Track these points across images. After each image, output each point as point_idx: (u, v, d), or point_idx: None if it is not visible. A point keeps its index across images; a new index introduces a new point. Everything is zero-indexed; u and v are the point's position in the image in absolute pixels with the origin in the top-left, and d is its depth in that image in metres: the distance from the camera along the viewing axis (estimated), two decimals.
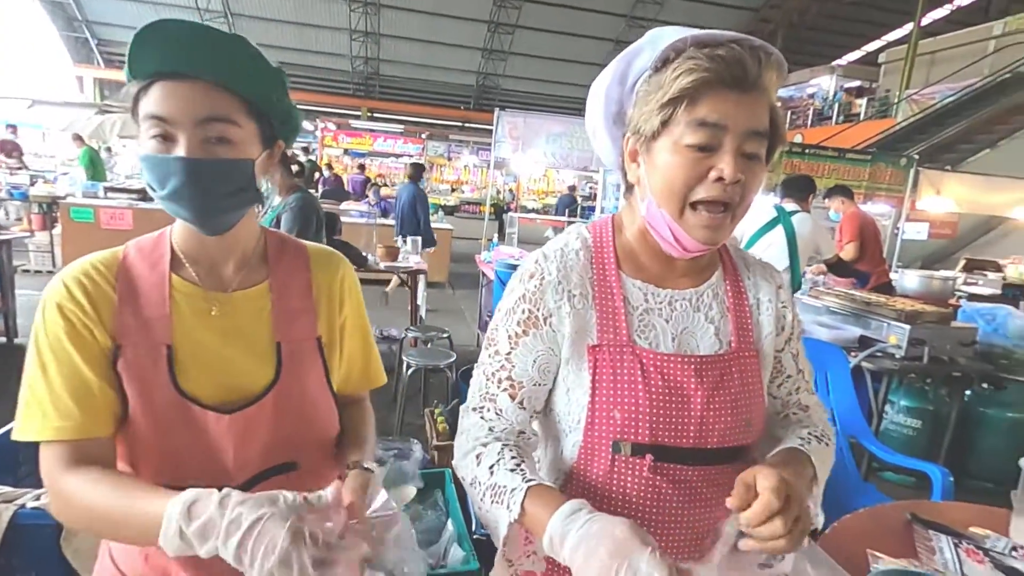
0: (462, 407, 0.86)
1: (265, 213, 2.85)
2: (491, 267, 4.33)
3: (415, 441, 2.63)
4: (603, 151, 0.84)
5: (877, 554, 1.08)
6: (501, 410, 0.81)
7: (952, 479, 2.03)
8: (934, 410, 2.96)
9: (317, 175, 8.19)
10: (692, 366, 0.78)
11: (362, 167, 12.36)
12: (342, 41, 19.35)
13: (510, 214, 4.96)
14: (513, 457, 0.76)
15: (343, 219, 4.89)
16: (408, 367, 3.13)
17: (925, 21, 14.15)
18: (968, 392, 3.07)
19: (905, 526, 1.21)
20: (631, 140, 0.77)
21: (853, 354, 2.76)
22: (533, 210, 13.86)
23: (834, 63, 20.14)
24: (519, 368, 0.81)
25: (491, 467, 0.75)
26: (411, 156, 15.50)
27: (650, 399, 0.77)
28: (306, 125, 16.97)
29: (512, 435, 0.81)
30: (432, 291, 7.08)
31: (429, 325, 4.04)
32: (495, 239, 5.39)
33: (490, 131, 4.98)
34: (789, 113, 18.86)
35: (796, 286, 3.50)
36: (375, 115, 20.46)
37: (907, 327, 2.71)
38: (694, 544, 0.80)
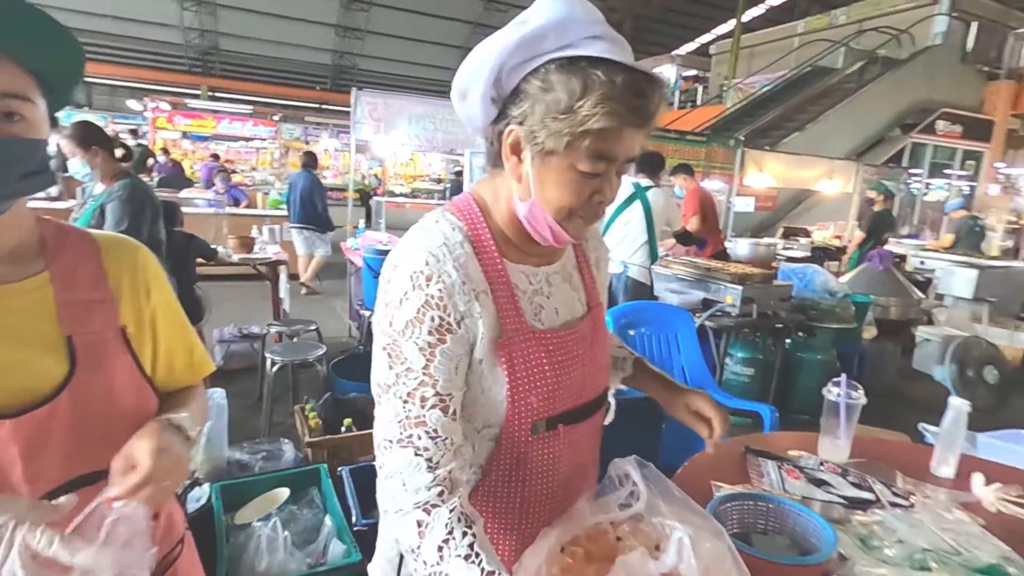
0: (379, 443, 0.76)
1: (86, 204, 2.48)
2: (359, 254, 4.18)
3: (285, 440, 2.49)
4: (469, 114, 0.78)
5: (718, 484, 1.23)
6: (435, 432, 0.73)
7: (778, 415, 2.36)
8: (763, 358, 3.41)
9: (151, 161, 7.27)
10: (576, 333, 0.85)
11: (216, 156, 11.21)
12: (170, 9, 17.21)
13: (376, 199, 4.80)
14: (465, 534, 0.68)
15: (187, 209, 4.42)
16: (273, 364, 2.93)
17: (745, 18, 15.91)
18: (788, 340, 3.58)
19: (741, 457, 1.38)
20: (515, 131, 0.74)
21: (698, 315, 3.08)
22: (402, 195, 13.52)
23: (673, 53, 21.99)
24: (443, 380, 0.74)
25: (439, 548, 0.68)
26: (263, 140, 14.30)
27: (556, 375, 0.81)
28: (133, 104, 14.90)
29: (451, 459, 0.74)
30: (296, 284, 6.68)
31: (295, 319, 3.81)
32: (361, 225, 5.20)
33: (349, 113, 4.75)
34: None
35: (654, 257, 3.81)
36: (217, 95, 18.54)
37: (740, 288, 3.09)
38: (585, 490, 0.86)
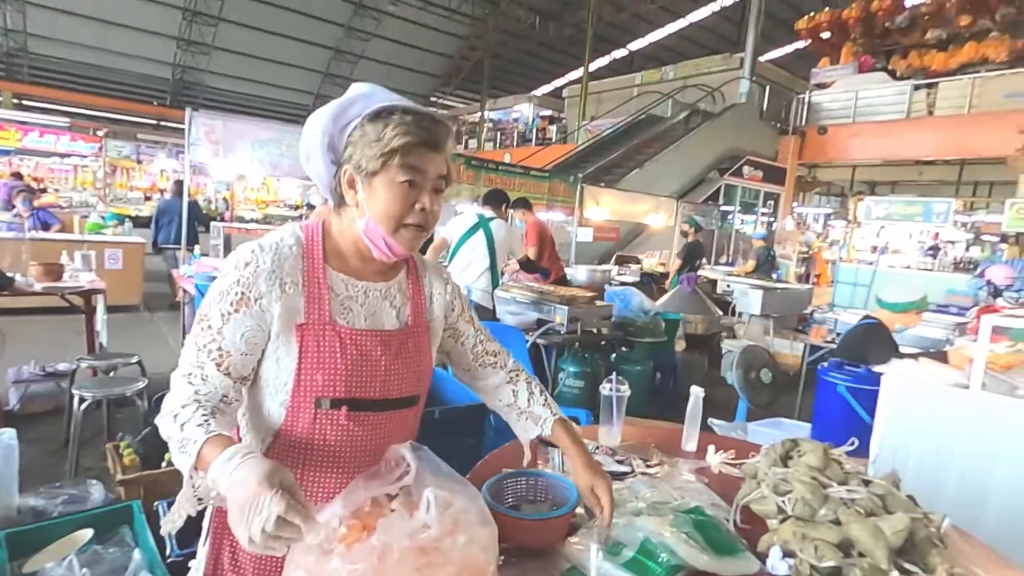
0: (173, 374, 0.95)
1: None
2: (191, 281, 3.94)
3: (92, 482, 2.30)
4: (315, 173, 1.01)
5: (508, 469, 1.42)
6: (207, 377, 0.93)
7: (594, 418, 2.67)
8: (591, 371, 3.79)
9: None
10: (379, 338, 1.03)
11: (18, 174, 9.72)
12: None
13: (215, 224, 4.55)
14: (204, 415, 0.88)
15: None
16: (82, 401, 2.67)
17: (592, 67, 17.58)
18: (613, 355, 4.02)
19: (534, 449, 1.60)
20: (349, 171, 0.97)
21: (530, 334, 3.38)
22: (252, 220, 12.73)
23: (531, 93, 23.48)
24: (228, 340, 0.94)
25: (183, 424, 0.86)
26: (83, 156, 12.70)
27: (346, 364, 0.99)
28: None
29: (214, 399, 0.93)
30: (124, 316, 6.03)
31: (113, 352, 3.48)
32: (196, 251, 4.89)
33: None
34: (499, 134, 21.34)
35: (495, 283, 4.08)
36: (24, 102, 16.16)
37: (567, 308, 3.44)
38: None
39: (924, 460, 2.20)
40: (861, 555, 1.08)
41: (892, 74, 13.43)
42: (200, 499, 0.86)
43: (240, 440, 1.05)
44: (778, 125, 13.39)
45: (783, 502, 1.23)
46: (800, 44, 16.92)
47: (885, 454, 2.35)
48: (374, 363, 1.02)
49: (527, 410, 1.25)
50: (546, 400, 1.28)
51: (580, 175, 7.70)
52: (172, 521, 0.88)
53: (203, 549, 1.07)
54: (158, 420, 0.93)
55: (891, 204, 9.68)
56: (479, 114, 22.31)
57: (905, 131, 11.76)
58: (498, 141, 20.60)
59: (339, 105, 0.97)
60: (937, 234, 11.98)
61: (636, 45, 21.15)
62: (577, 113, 17.05)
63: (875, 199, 9.73)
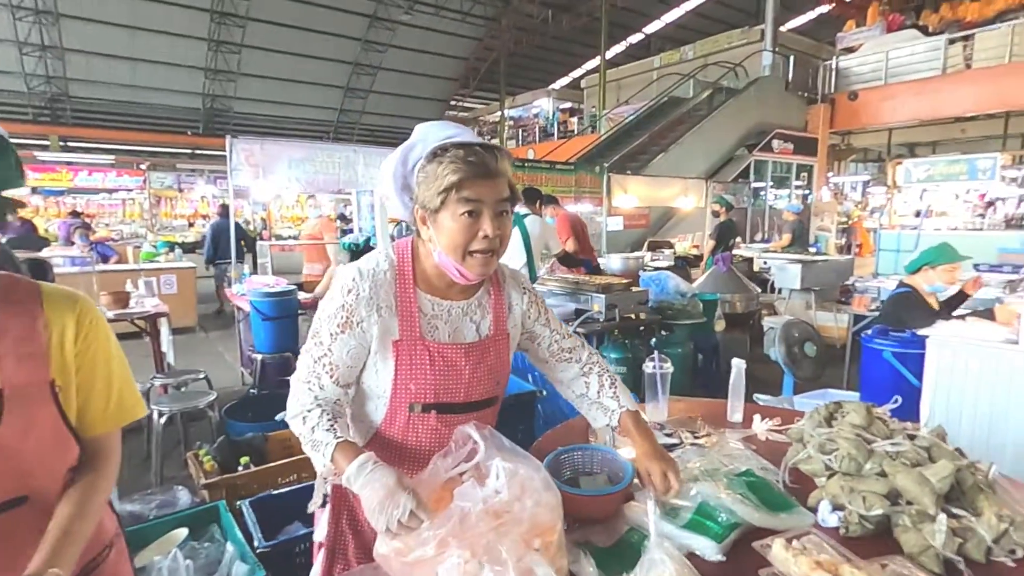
0: (292, 378, 1.16)
1: None
2: (245, 300, 4.16)
3: (179, 487, 2.49)
4: (397, 211, 1.18)
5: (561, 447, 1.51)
6: (323, 385, 1.13)
7: (639, 398, 2.73)
8: (632, 356, 3.84)
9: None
10: (462, 350, 1.17)
11: (76, 212, 10.43)
12: (9, 56, 15.75)
13: (261, 243, 4.81)
14: (329, 419, 1.09)
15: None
16: (160, 415, 2.89)
17: (609, 54, 17.44)
18: (652, 339, 4.05)
19: (586, 428, 1.70)
20: (419, 211, 1.10)
21: (570, 324, 3.45)
22: (291, 237, 13.16)
23: (549, 87, 23.44)
24: (336, 355, 1.12)
25: (313, 427, 1.08)
26: (130, 190, 13.36)
27: (435, 374, 1.15)
28: None
29: (330, 403, 1.13)
30: (182, 336, 6.37)
31: (181, 369, 3.72)
32: (245, 270, 5.14)
33: (224, 158, 4.75)
34: (521, 131, 21.40)
35: (532, 277, 4.18)
36: (70, 144, 17.05)
37: (604, 296, 3.51)
38: None
39: (978, 419, 2.20)
40: (909, 503, 1.13)
41: (924, 30, 12.88)
42: (325, 479, 1.13)
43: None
44: (805, 95, 13.03)
45: (829, 460, 1.29)
46: (823, 9, 16.37)
47: (937, 416, 2.35)
48: (459, 372, 1.17)
49: (597, 401, 1.35)
50: (615, 392, 1.34)
51: (606, 165, 7.71)
52: (315, 502, 1.18)
53: (324, 517, 1.27)
54: (288, 419, 1.15)
55: (932, 165, 9.32)
56: (499, 113, 22.43)
57: (942, 88, 11.30)
58: (520, 138, 20.65)
59: (404, 149, 1.12)
60: (984, 194, 11.48)
61: (652, 28, 20.85)
62: (597, 102, 16.96)
63: (914, 161, 9.38)
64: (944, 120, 12.63)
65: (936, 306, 2.99)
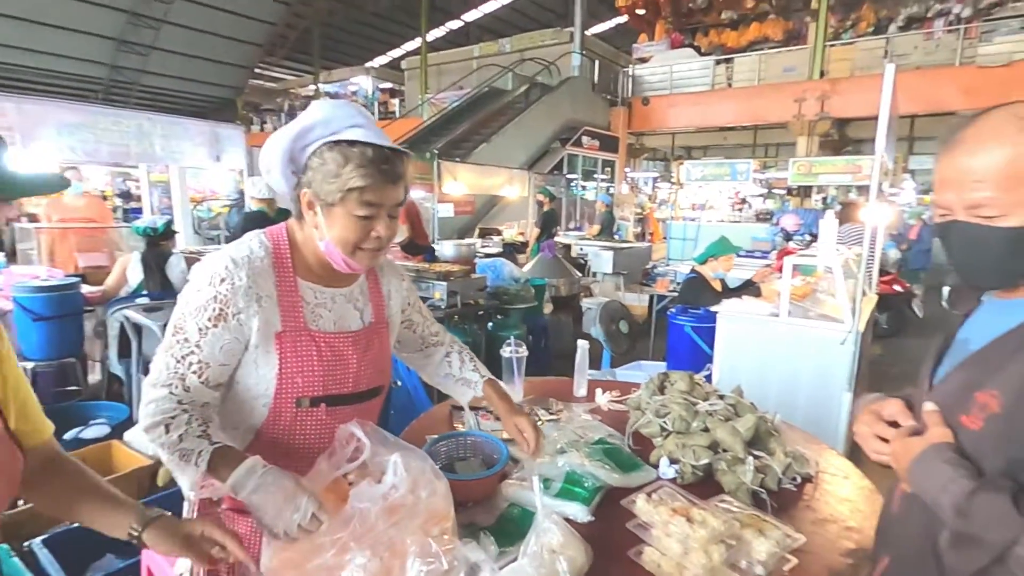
0: (146, 382, 1.02)
1: None
2: (5, 296, 3.36)
3: None
4: (276, 185, 1.08)
5: (430, 435, 1.54)
6: (189, 387, 1.00)
7: None
8: (472, 341, 3.97)
9: None
10: (349, 339, 1.12)
11: None
12: None
13: (22, 226, 3.80)
14: (200, 424, 0.99)
15: None
16: None
17: (429, 37, 17.34)
18: (490, 323, 4.24)
19: (448, 415, 1.74)
20: (308, 194, 1.02)
21: None
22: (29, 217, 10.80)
23: (367, 65, 22.54)
24: (207, 353, 1.00)
25: (180, 435, 0.96)
26: None
27: (323, 365, 1.07)
28: None
29: (197, 407, 1.02)
30: None
31: None
32: (2, 260, 4.13)
33: None
34: None
35: None
36: None
37: (444, 283, 3.56)
38: None
39: (752, 375, 2.74)
40: (725, 451, 1.39)
41: (698, 50, 15.15)
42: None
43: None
44: (608, 97, 14.47)
45: (664, 423, 1.52)
46: (621, 19, 18.26)
47: (724, 376, 2.87)
48: (346, 362, 1.11)
49: (461, 376, 1.39)
50: (475, 366, 1.41)
51: (435, 151, 7.72)
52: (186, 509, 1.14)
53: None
54: (144, 429, 1.00)
55: (705, 166, 11.12)
56: (313, 87, 20.97)
57: (711, 101, 13.43)
58: None
59: (300, 127, 1.01)
60: (738, 192, 13.97)
61: (471, 16, 21.18)
62: (418, 86, 16.81)
63: (692, 162, 11.09)
64: (712, 128, 15.06)
65: (719, 288, 3.61)
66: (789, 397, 2.63)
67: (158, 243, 3.55)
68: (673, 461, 1.41)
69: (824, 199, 12.53)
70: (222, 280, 1.01)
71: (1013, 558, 0.67)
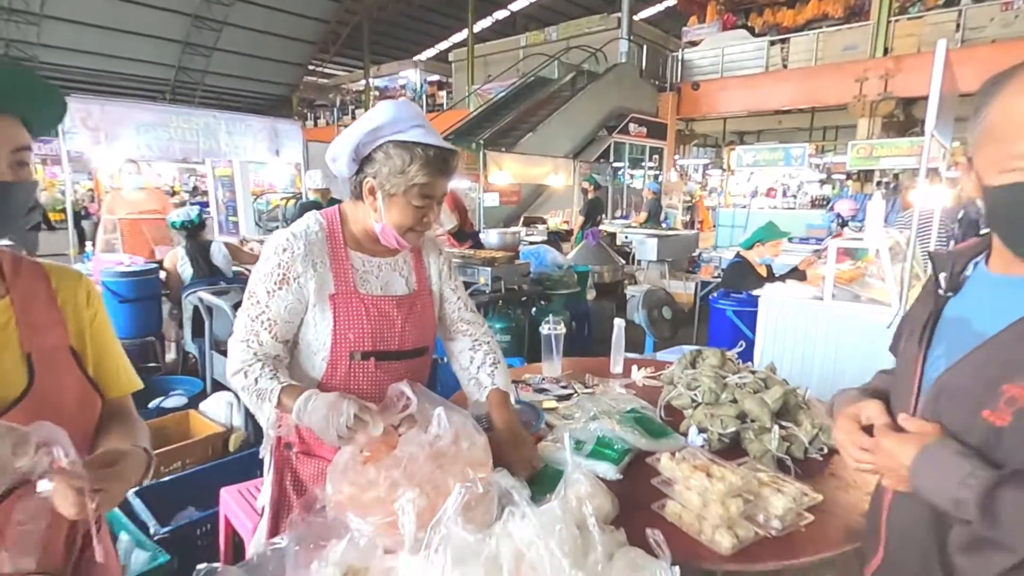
0: (231, 340, 1.23)
1: None
2: (95, 280, 3.71)
3: None
4: (339, 170, 1.24)
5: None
6: (262, 341, 1.21)
7: (526, 362, 2.97)
8: (516, 325, 4.09)
9: None
10: (394, 302, 1.28)
11: None
12: None
13: (107, 217, 4.15)
14: (271, 370, 1.18)
15: None
16: None
17: (476, 28, 17.45)
18: (533, 309, 4.34)
19: None
20: (371, 183, 1.19)
21: None
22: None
23: (416, 58, 22.88)
24: (275, 311, 1.20)
25: (256, 378, 1.17)
26: None
27: (371, 323, 1.24)
28: None
29: (270, 358, 1.21)
30: None
31: None
32: (88, 249, 4.53)
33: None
34: None
35: None
36: None
37: (489, 269, 3.68)
38: None
39: (795, 355, 2.74)
40: (752, 421, 1.45)
41: (751, 31, 14.64)
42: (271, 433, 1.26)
43: None
44: (656, 83, 14.20)
45: (695, 395, 1.58)
46: (671, 2, 17.83)
47: (767, 356, 2.88)
48: (391, 322, 1.27)
49: (475, 376, 1.41)
50: (493, 371, 1.40)
51: (481, 141, 7.85)
52: (267, 446, 1.31)
53: (268, 477, 1.34)
54: (229, 376, 1.21)
55: (757, 151, 10.77)
56: (364, 82, 21.49)
57: (765, 84, 12.98)
58: None
59: (372, 125, 1.16)
60: (779, 181, 13.43)
61: (517, 5, 21.15)
62: (466, 77, 16.96)
63: (744, 148, 10.78)
64: (766, 112, 14.54)
65: (764, 273, 3.58)
66: (832, 379, 2.62)
67: (196, 234, 3.76)
68: (701, 430, 1.48)
69: (885, 183, 11.94)
70: (284, 250, 1.19)
71: None
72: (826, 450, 1.42)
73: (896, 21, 11.55)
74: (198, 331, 3.48)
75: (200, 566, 0.92)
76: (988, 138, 0.73)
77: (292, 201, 8.96)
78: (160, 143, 4.41)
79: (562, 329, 1.96)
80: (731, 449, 1.42)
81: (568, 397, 1.76)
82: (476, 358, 1.43)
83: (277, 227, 8.96)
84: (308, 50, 21.87)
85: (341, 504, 1.02)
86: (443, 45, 23.81)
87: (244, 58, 19.93)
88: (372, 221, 1.24)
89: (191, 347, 3.50)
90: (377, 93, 21.88)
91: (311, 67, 23.59)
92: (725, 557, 1.02)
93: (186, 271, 3.62)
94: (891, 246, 2.85)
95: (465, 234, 4.82)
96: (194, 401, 2.95)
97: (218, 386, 3.06)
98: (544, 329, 1.96)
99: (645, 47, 13.98)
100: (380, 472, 1.03)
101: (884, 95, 10.95)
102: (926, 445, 0.72)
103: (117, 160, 4.29)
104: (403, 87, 22.36)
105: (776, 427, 1.39)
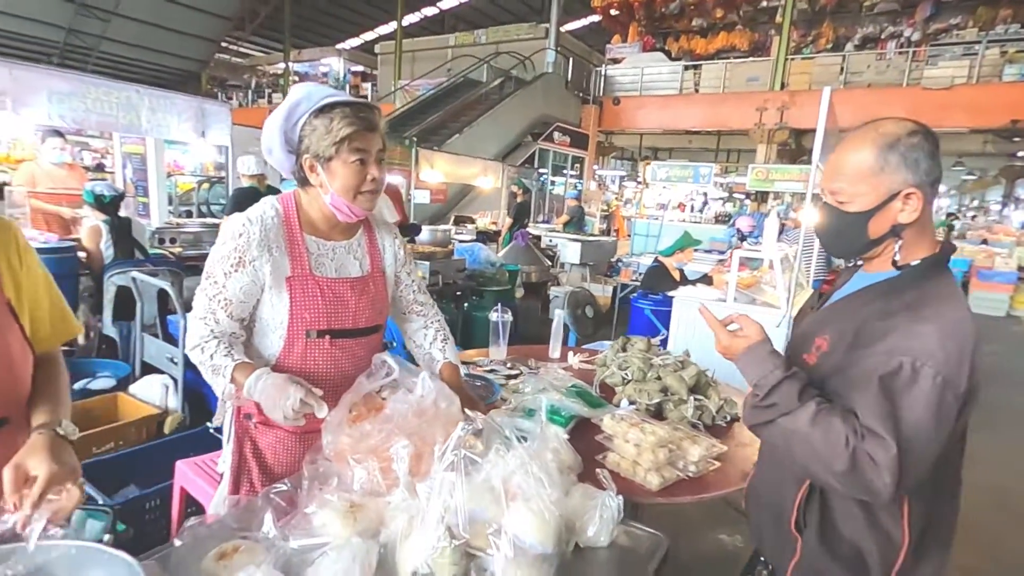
0: (189, 316, 1.30)
1: None
2: None
3: None
4: (278, 162, 1.31)
5: None
6: (219, 320, 1.27)
7: (460, 349, 3.14)
8: (450, 319, 4.24)
9: None
10: (348, 283, 1.36)
11: None
12: None
13: (10, 188, 3.75)
14: (226, 347, 1.26)
15: None
16: None
17: (404, 23, 17.31)
18: (466, 304, 4.53)
19: None
20: (308, 159, 1.25)
21: None
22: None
23: (339, 47, 22.26)
24: (231, 292, 1.26)
25: (212, 355, 1.24)
26: None
27: (325, 304, 1.32)
28: None
29: (226, 335, 1.28)
30: None
31: None
32: None
33: None
34: None
35: None
36: None
37: (428, 263, 3.83)
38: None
39: (703, 349, 3.12)
40: (673, 394, 1.74)
41: (668, 54, 15.69)
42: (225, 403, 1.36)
43: None
44: (581, 95, 14.84)
45: (625, 374, 1.86)
46: (596, 18, 18.64)
47: (678, 350, 3.25)
48: (345, 302, 1.36)
49: (428, 351, 1.56)
50: (444, 347, 1.55)
51: (414, 138, 7.91)
52: (218, 418, 1.40)
53: (228, 447, 1.40)
54: (188, 351, 1.29)
55: (670, 168, 11.64)
56: (283, 65, 20.62)
57: (678, 105, 13.98)
58: None
59: (288, 107, 1.25)
60: (688, 196, 14.58)
61: (446, 4, 21.16)
62: (392, 71, 16.79)
63: (658, 163, 11.59)
64: (678, 131, 15.63)
65: (678, 277, 4.00)
66: (731, 367, 3.03)
67: (117, 210, 3.60)
68: (631, 402, 1.75)
69: (776, 205, 13.23)
70: (240, 235, 1.25)
71: (777, 423, 0.97)
72: (729, 418, 1.74)
73: (792, 60, 12.86)
74: (119, 313, 3.35)
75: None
76: (824, 173, 1.07)
77: (207, 185, 8.54)
78: (76, 114, 4.14)
79: (509, 317, 2.18)
80: (655, 417, 1.70)
81: (515, 376, 1.98)
82: (429, 335, 1.56)
83: (190, 210, 8.49)
84: (222, 26, 20.54)
85: (340, 452, 1.17)
86: (369, 36, 23.29)
87: (147, 27, 18.32)
88: (324, 199, 1.29)
89: (111, 330, 3.36)
90: (297, 78, 21.03)
91: (224, 44, 22.23)
92: (653, 493, 1.28)
93: (108, 249, 3.46)
94: (782, 258, 3.32)
95: (408, 228, 4.91)
96: (122, 384, 2.87)
97: (148, 368, 2.99)
98: (493, 316, 2.17)
99: (571, 59, 14.56)
100: (374, 425, 1.19)
101: (780, 125, 12.16)
102: (749, 344, 1.04)
103: (26, 129, 3.99)
104: (325, 75, 21.65)
105: (691, 399, 1.69)
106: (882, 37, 14.51)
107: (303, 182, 1.31)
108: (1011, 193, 18.45)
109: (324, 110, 1.23)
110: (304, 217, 1.34)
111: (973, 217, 16.92)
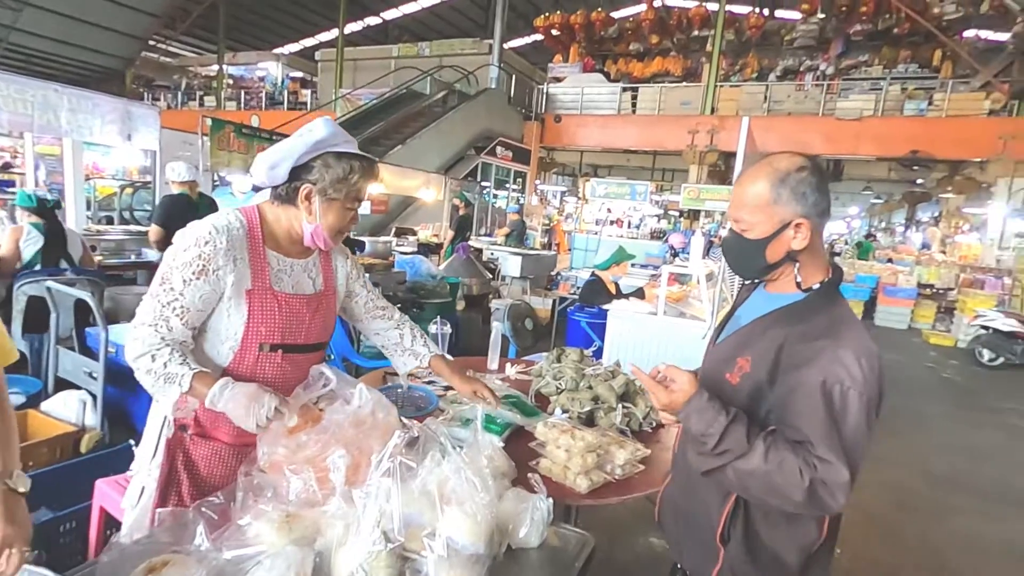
0: (131, 324, 1.26)
1: None
2: None
3: None
4: (275, 176, 1.32)
5: None
6: (172, 327, 1.25)
7: None
8: None
9: None
10: (304, 300, 1.41)
11: None
12: None
13: None
14: (180, 355, 1.24)
15: None
16: None
17: (346, 31, 17.09)
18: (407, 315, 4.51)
19: (382, 378, 2.05)
20: (309, 188, 1.31)
21: None
22: None
23: (276, 51, 21.69)
24: (188, 300, 1.25)
25: (165, 363, 1.22)
26: None
27: (282, 319, 1.36)
28: None
29: (177, 343, 1.26)
30: None
31: None
32: None
33: None
34: (243, 93, 19.37)
35: None
36: None
37: (368, 275, 3.81)
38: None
39: (635, 358, 3.26)
40: (603, 403, 1.83)
41: (607, 75, 16.26)
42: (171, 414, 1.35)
43: None
44: (523, 111, 15.12)
45: (559, 384, 1.94)
46: (538, 37, 19.09)
47: (612, 359, 3.39)
48: (301, 318, 1.40)
49: (410, 348, 1.66)
50: (425, 342, 1.69)
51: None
52: (153, 427, 1.40)
53: (153, 462, 1.39)
54: (132, 359, 1.23)
55: (608, 185, 12.01)
56: (216, 67, 19.85)
57: (616, 124, 14.50)
58: (242, 101, 18.73)
59: (314, 139, 1.30)
60: (626, 212, 15.15)
61: (390, 14, 21.07)
62: (333, 79, 16.53)
63: (597, 180, 11.95)
64: (616, 150, 16.19)
65: (613, 291, 4.17)
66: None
67: (54, 215, 3.44)
68: (564, 410, 1.83)
69: (708, 224, 13.91)
70: (207, 243, 1.25)
71: (731, 467, 1.02)
72: (655, 424, 1.85)
73: (721, 86, 13.65)
74: (29, 326, 3.14)
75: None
76: (730, 202, 1.18)
77: (130, 190, 8.10)
78: None
79: (448, 329, 2.23)
80: (586, 424, 1.79)
81: (452, 388, 2.02)
82: (405, 334, 1.67)
83: (111, 216, 8.02)
84: (150, 23, 19.51)
85: (276, 464, 1.18)
86: (308, 42, 22.83)
87: (65, 19, 17.15)
88: (304, 223, 1.35)
89: (20, 344, 3.14)
90: (231, 81, 20.34)
91: (153, 43, 21.16)
92: (582, 495, 1.36)
93: (30, 250, 3.24)
94: (708, 274, 3.53)
95: (350, 243, 4.87)
96: (32, 401, 2.68)
97: (62, 384, 2.81)
98: (432, 328, 2.20)
99: (514, 76, 14.83)
100: (311, 436, 1.20)
101: (710, 147, 12.84)
102: (689, 396, 1.06)
103: None
104: (262, 79, 21.06)
105: (620, 407, 1.79)
106: (800, 69, 15.63)
107: (284, 200, 1.35)
108: (913, 216, 20.22)
109: (343, 157, 1.31)
110: (268, 231, 1.37)
111: (875, 238, 18.37)
